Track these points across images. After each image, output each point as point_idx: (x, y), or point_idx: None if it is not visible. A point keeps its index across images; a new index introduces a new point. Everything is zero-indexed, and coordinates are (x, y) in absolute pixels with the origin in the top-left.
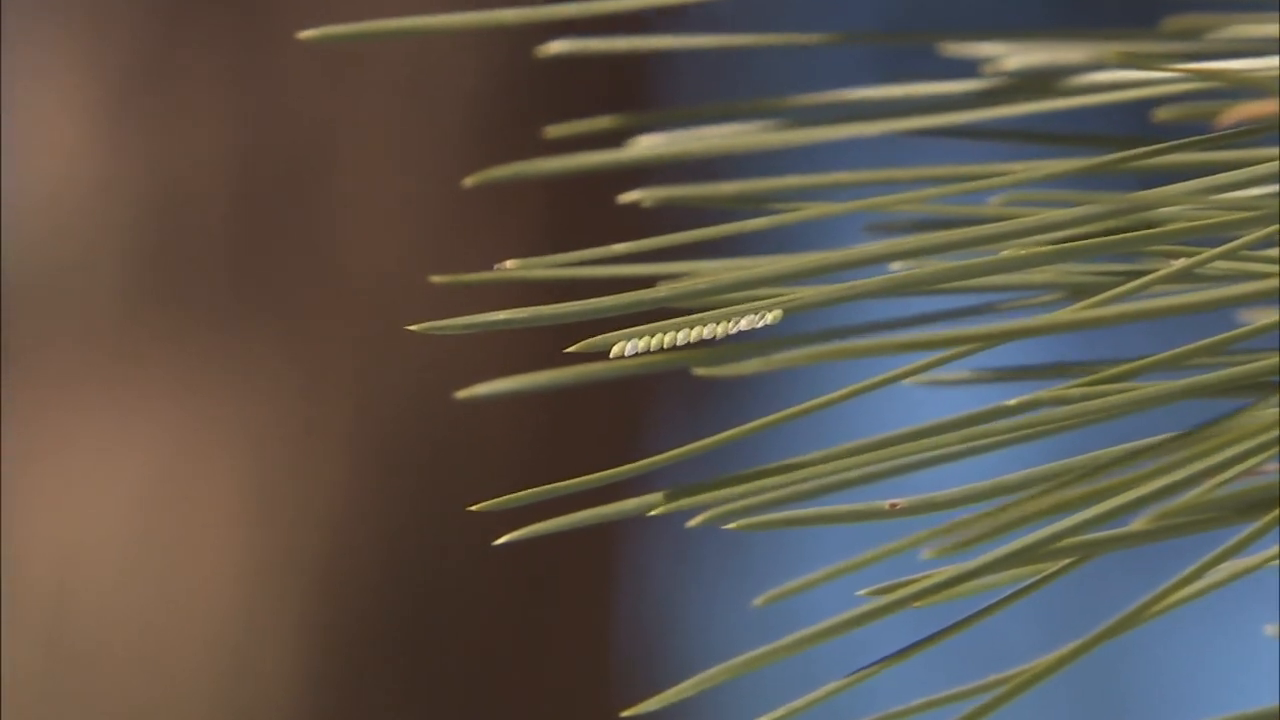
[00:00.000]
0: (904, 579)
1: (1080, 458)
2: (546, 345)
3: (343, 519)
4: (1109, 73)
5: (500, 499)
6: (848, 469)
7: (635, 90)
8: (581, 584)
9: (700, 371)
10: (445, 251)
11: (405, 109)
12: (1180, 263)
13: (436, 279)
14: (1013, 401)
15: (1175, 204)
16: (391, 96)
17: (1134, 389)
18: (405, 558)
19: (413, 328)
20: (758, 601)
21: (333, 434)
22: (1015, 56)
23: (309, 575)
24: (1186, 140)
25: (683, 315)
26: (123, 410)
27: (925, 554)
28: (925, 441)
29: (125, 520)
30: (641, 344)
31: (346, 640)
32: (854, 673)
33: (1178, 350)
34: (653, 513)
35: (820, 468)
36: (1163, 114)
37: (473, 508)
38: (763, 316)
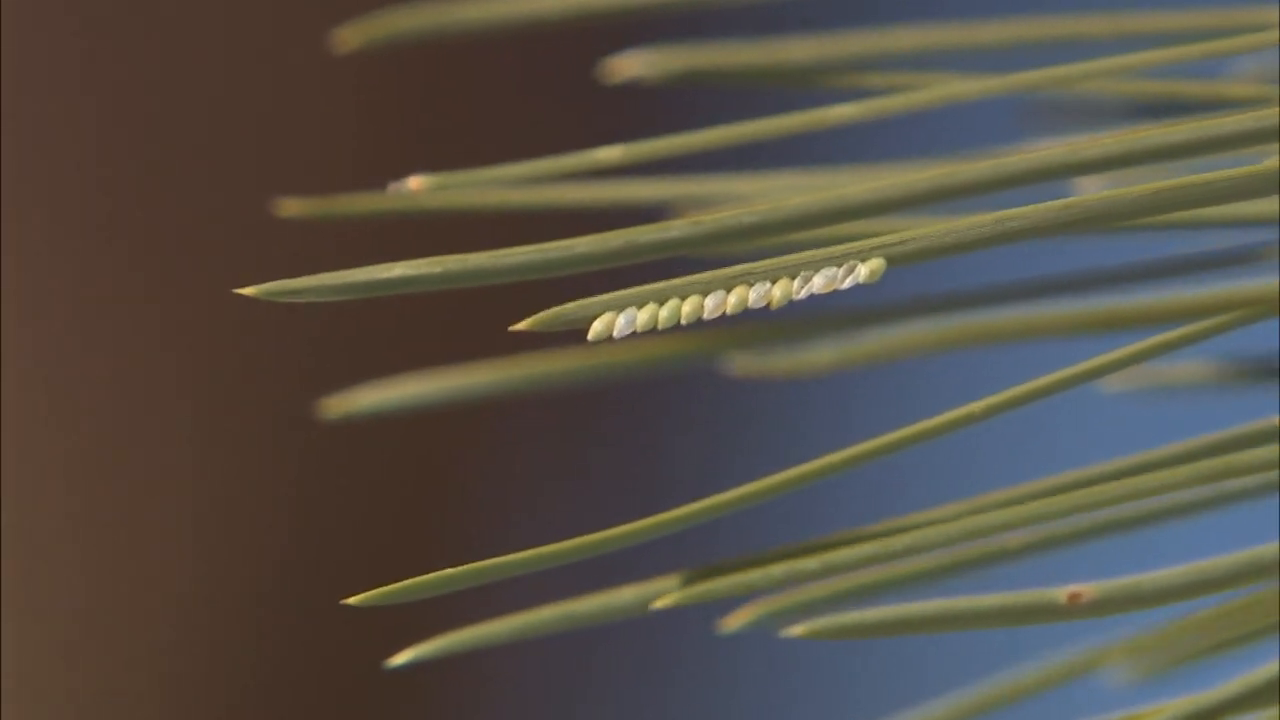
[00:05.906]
0: None
1: None
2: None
3: (175, 621)
4: None
5: (377, 591)
6: (991, 531)
7: None
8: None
9: (743, 369)
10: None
11: None
12: None
13: (288, 206)
14: None
15: None
16: None
17: None
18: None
19: (246, 291)
20: None
21: (159, 475)
22: None
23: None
24: None
25: (713, 269)
26: None
27: (1120, 679)
28: (1131, 484)
29: None
30: (642, 318)
31: None
32: None
33: None
34: (658, 604)
35: (942, 529)
36: None
37: (350, 600)
38: (852, 270)
